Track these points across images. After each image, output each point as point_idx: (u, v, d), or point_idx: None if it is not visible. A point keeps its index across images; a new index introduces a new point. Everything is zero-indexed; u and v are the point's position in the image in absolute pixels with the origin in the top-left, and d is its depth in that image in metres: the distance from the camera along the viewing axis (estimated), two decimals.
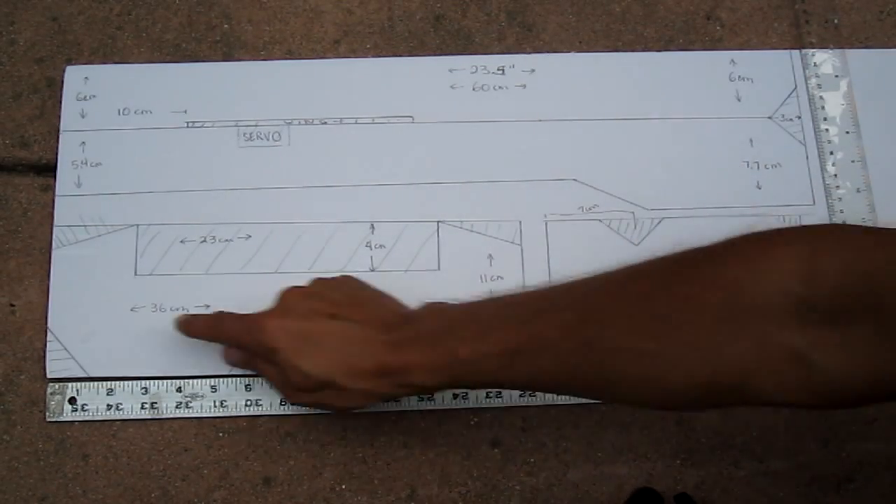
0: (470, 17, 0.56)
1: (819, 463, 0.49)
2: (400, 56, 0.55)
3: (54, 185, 0.51)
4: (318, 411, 0.48)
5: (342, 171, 0.52)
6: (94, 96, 0.53)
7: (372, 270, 0.51)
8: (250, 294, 0.50)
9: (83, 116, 0.53)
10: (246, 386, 0.49)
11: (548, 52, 0.55)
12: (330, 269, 0.51)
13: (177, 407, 0.48)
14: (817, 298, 0.32)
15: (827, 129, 0.54)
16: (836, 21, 0.56)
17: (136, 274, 0.50)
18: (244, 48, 0.54)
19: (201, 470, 0.48)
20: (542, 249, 0.51)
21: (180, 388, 0.49)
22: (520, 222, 0.52)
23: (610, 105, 0.54)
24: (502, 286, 0.51)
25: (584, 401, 0.49)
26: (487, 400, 0.49)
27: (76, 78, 0.53)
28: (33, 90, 0.53)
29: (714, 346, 0.33)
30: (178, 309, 0.50)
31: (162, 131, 0.53)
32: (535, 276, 0.51)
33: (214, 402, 0.49)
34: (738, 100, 0.54)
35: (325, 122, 0.53)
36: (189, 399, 0.49)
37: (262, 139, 0.53)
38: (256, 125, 0.53)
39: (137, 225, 0.51)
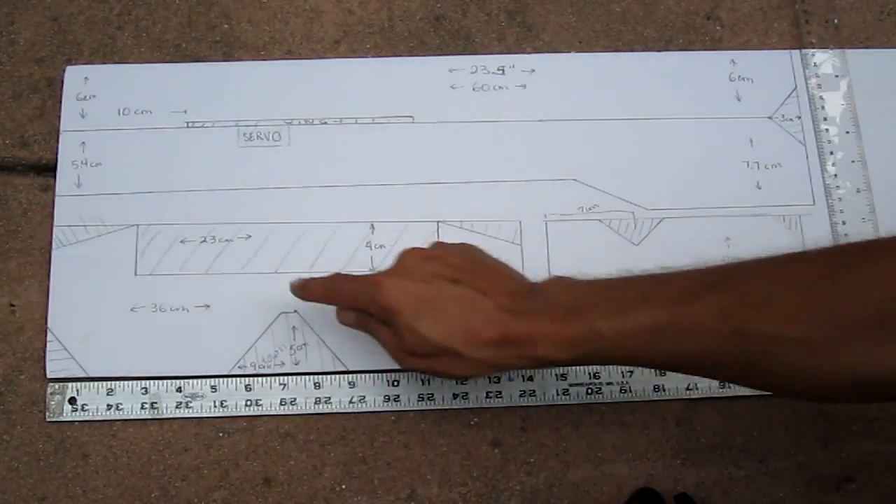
0: (470, 17, 0.56)
1: (819, 463, 0.49)
2: (400, 56, 0.55)
3: (54, 185, 0.52)
4: (320, 411, 0.48)
5: (342, 171, 0.52)
6: (94, 96, 0.53)
7: (372, 270, 0.51)
8: (250, 294, 0.50)
9: (83, 116, 0.53)
10: (246, 386, 0.49)
11: (548, 52, 0.55)
12: (330, 269, 0.50)
13: (177, 407, 0.48)
14: None
15: (827, 129, 0.54)
16: (836, 21, 0.56)
17: (136, 274, 0.50)
18: (244, 48, 0.54)
19: (201, 470, 0.48)
20: (542, 249, 0.51)
21: (180, 388, 0.49)
22: (520, 222, 0.52)
23: (610, 105, 0.54)
24: None
25: (584, 401, 0.49)
26: (487, 400, 0.49)
27: (76, 78, 0.53)
28: (33, 90, 0.53)
29: (875, 341, 0.32)
30: (178, 309, 0.50)
31: (162, 131, 0.53)
32: (536, 275, 0.51)
33: (214, 402, 0.49)
34: (738, 100, 0.54)
35: (325, 122, 0.53)
36: (189, 399, 0.49)
37: (262, 139, 0.53)
38: (256, 125, 0.53)
39: (137, 225, 0.51)
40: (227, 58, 0.54)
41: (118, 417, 0.48)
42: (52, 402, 0.48)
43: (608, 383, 0.50)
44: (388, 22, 0.55)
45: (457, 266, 0.42)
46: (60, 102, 0.53)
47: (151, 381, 0.49)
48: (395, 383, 0.49)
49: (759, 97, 0.54)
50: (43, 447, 0.48)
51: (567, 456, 0.49)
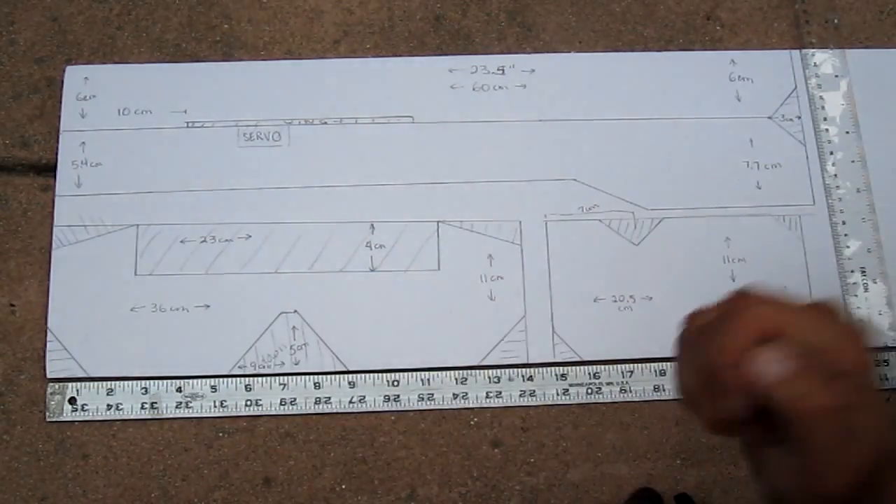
0: (470, 17, 0.56)
1: None
2: (400, 56, 0.55)
3: (54, 185, 0.52)
4: (320, 411, 0.48)
5: (342, 171, 0.52)
6: (94, 96, 0.53)
7: (372, 270, 0.51)
8: (250, 294, 0.50)
9: (83, 116, 0.53)
10: (246, 386, 0.49)
11: (548, 52, 0.55)
12: (330, 268, 0.51)
13: (177, 407, 0.48)
14: None
15: (827, 129, 0.54)
16: (836, 21, 0.56)
17: (136, 274, 0.50)
18: (244, 48, 0.54)
19: (201, 470, 0.48)
20: (542, 249, 0.51)
21: (180, 388, 0.49)
22: (520, 222, 0.52)
23: (610, 105, 0.54)
24: (502, 286, 0.51)
25: (584, 401, 0.49)
26: (487, 400, 0.49)
27: (76, 78, 0.53)
28: (33, 90, 0.53)
29: None
30: (177, 309, 0.50)
31: (162, 131, 0.53)
32: (536, 275, 0.51)
33: (214, 402, 0.49)
34: (738, 100, 0.54)
35: (325, 122, 0.53)
36: (189, 399, 0.49)
37: (262, 139, 0.53)
38: (256, 125, 0.53)
39: (137, 225, 0.51)
40: (227, 58, 0.54)
41: (118, 417, 0.48)
42: (52, 402, 0.48)
43: (608, 383, 0.50)
44: (388, 22, 0.55)
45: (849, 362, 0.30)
46: (60, 102, 0.53)
47: (151, 381, 0.49)
48: (395, 383, 0.49)
49: (759, 97, 0.54)
50: (43, 447, 0.48)
51: (567, 456, 0.49)
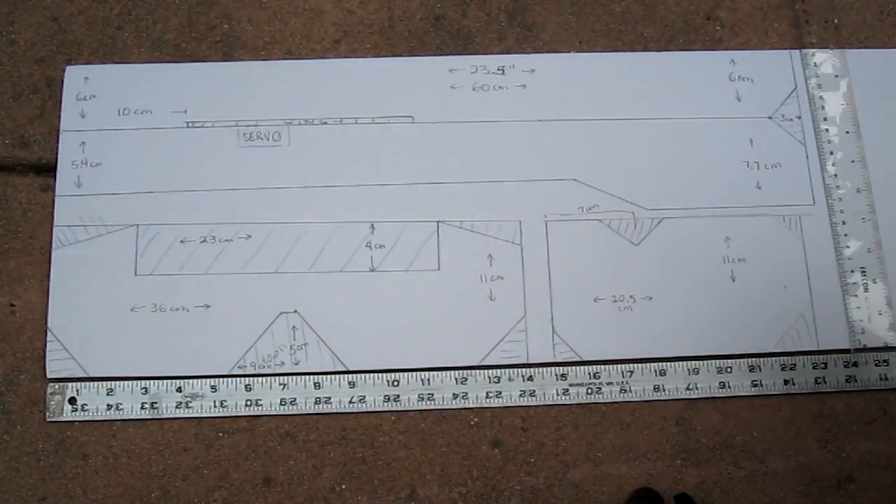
0: (470, 17, 0.56)
1: (819, 463, 0.49)
2: (400, 56, 0.55)
3: (54, 185, 0.52)
4: (320, 411, 0.48)
5: (342, 171, 0.52)
6: (94, 96, 0.53)
7: (372, 270, 0.51)
8: (250, 294, 0.50)
9: (83, 116, 0.53)
10: (246, 386, 0.49)
11: (548, 52, 0.55)
12: (330, 268, 0.51)
13: (177, 407, 0.48)
14: None
15: (827, 129, 0.54)
16: (836, 21, 0.56)
17: (136, 274, 0.50)
18: (244, 48, 0.55)
19: (201, 470, 0.48)
20: (542, 249, 0.51)
21: (180, 388, 0.49)
22: (520, 222, 0.52)
23: (610, 105, 0.54)
24: (502, 286, 0.51)
25: (584, 401, 0.49)
26: (487, 400, 0.49)
27: (76, 78, 0.53)
28: (33, 90, 0.53)
29: None
30: (178, 309, 0.50)
31: (162, 131, 0.53)
32: (536, 275, 0.51)
33: (214, 402, 0.49)
34: (738, 100, 0.54)
35: (325, 122, 0.53)
36: (189, 399, 0.49)
37: (262, 139, 0.53)
38: (256, 125, 0.53)
39: (137, 225, 0.51)
40: (227, 58, 0.54)
41: (118, 417, 0.48)
42: (52, 402, 0.48)
43: (608, 383, 0.50)
44: (388, 22, 0.55)
45: None
46: (60, 102, 0.53)
47: (151, 381, 0.49)
48: (395, 383, 0.49)
49: (759, 97, 0.54)
50: (43, 447, 0.48)
51: (567, 456, 0.49)
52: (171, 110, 0.53)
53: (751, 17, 0.56)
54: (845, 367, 0.50)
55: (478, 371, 0.50)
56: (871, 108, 0.54)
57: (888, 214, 0.52)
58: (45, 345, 0.49)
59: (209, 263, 0.51)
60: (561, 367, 0.50)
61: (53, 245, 0.50)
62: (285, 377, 0.49)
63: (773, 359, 0.50)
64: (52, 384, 0.49)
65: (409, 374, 0.49)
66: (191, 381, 0.49)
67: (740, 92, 0.55)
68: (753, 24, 0.56)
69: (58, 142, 0.52)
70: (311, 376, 0.49)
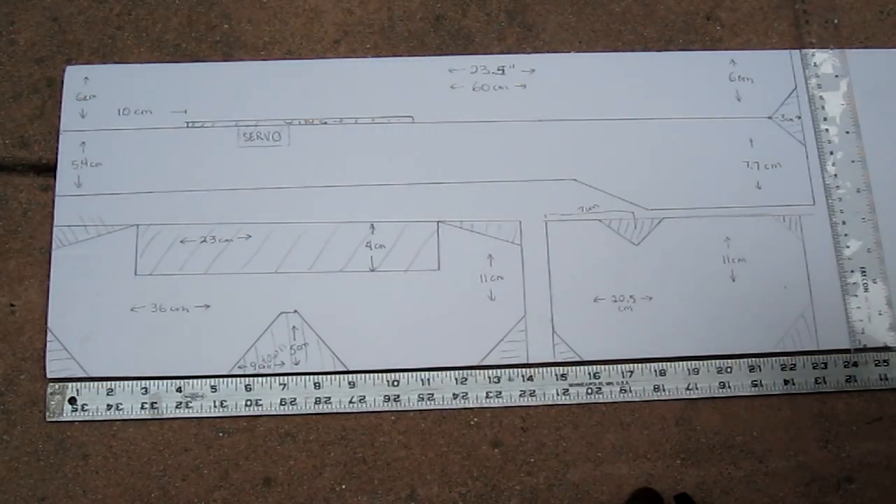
0: (470, 17, 0.56)
1: (819, 463, 0.49)
2: (400, 56, 0.55)
3: (54, 185, 0.52)
4: (320, 411, 0.48)
5: (342, 171, 0.52)
6: (94, 96, 0.53)
7: (372, 270, 0.51)
8: (250, 294, 0.50)
9: (83, 116, 0.53)
10: (246, 386, 0.49)
11: (548, 52, 0.55)
12: (330, 268, 0.51)
13: (177, 407, 0.48)
14: None
15: (827, 129, 0.54)
16: (836, 21, 0.56)
17: (136, 274, 0.50)
18: (244, 48, 0.55)
19: (201, 470, 0.48)
20: (542, 249, 0.51)
21: (180, 388, 0.49)
22: (520, 222, 0.52)
23: (610, 105, 0.54)
24: (502, 286, 0.51)
25: (584, 401, 0.49)
26: (487, 400, 0.49)
27: (76, 78, 0.53)
28: (33, 90, 0.53)
29: None
30: (177, 309, 0.50)
31: (162, 131, 0.53)
32: (536, 276, 0.51)
33: (214, 402, 0.49)
34: (738, 100, 0.54)
35: (325, 122, 0.53)
36: (189, 399, 0.49)
37: (262, 139, 0.53)
38: (256, 125, 0.53)
39: (137, 225, 0.51)
40: (227, 58, 0.54)
41: (118, 417, 0.48)
42: (52, 402, 0.48)
43: (608, 383, 0.50)
44: (388, 22, 0.55)
45: None
46: (60, 102, 0.53)
47: (151, 381, 0.49)
48: (395, 383, 0.49)
49: (759, 97, 0.54)
50: (43, 447, 0.48)
51: (567, 456, 0.49)
52: (171, 110, 0.53)
53: (751, 17, 0.56)
54: (845, 367, 0.50)
55: (478, 371, 0.50)
56: (871, 108, 0.54)
57: (888, 214, 0.52)
58: (45, 345, 0.49)
59: (209, 263, 0.51)
60: (561, 367, 0.50)
61: (53, 245, 0.50)
62: (285, 377, 0.49)
63: (773, 359, 0.50)
64: (52, 384, 0.49)
65: (409, 374, 0.49)
66: (191, 381, 0.49)
67: (740, 92, 0.55)
68: (753, 24, 0.56)
69: (58, 142, 0.52)
70: (311, 376, 0.49)
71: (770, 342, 0.50)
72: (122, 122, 0.53)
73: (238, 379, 0.49)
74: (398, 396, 0.49)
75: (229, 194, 0.52)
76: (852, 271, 0.51)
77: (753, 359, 0.50)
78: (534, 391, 0.49)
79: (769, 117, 0.54)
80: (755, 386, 0.50)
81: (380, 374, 0.49)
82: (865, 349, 0.50)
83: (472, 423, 0.49)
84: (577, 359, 0.50)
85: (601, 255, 0.51)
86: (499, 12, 0.56)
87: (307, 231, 0.51)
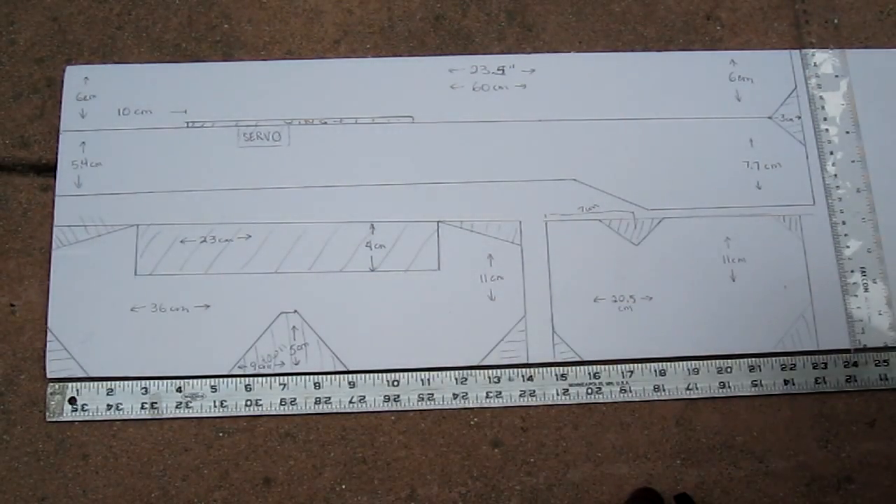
0: (470, 17, 0.56)
1: (819, 463, 0.49)
2: (400, 56, 0.55)
3: (54, 185, 0.52)
4: (320, 411, 0.48)
5: (342, 171, 0.52)
6: (94, 96, 0.53)
7: (372, 270, 0.51)
8: (250, 294, 0.50)
9: (83, 116, 0.53)
10: (246, 386, 0.49)
11: (548, 52, 0.55)
12: (330, 268, 0.51)
13: (177, 407, 0.48)
14: None
15: (827, 129, 0.54)
16: (836, 21, 0.56)
17: (136, 274, 0.50)
18: (244, 48, 0.55)
19: (201, 470, 0.48)
20: (542, 249, 0.51)
21: (180, 388, 0.49)
22: (520, 222, 0.52)
23: (610, 105, 0.54)
24: (502, 286, 0.51)
25: (584, 401, 0.49)
26: (487, 400, 0.49)
27: (76, 78, 0.53)
28: (33, 90, 0.53)
29: None
30: (177, 309, 0.50)
31: (162, 131, 0.53)
32: (536, 276, 0.51)
33: (214, 402, 0.49)
34: (738, 100, 0.54)
35: (325, 122, 0.53)
36: (189, 399, 0.49)
37: (262, 139, 0.53)
38: (256, 125, 0.53)
39: (137, 225, 0.51)
40: (227, 58, 0.54)
41: (118, 417, 0.48)
42: (52, 402, 0.48)
43: (608, 383, 0.50)
44: (388, 22, 0.55)
45: None
46: (60, 102, 0.53)
47: (151, 381, 0.49)
48: (395, 383, 0.49)
49: (759, 97, 0.54)
50: (43, 447, 0.48)
51: (567, 456, 0.49)
52: (171, 110, 0.53)
53: (751, 17, 0.56)
54: (845, 367, 0.50)
55: (478, 371, 0.50)
56: (871, 108, 0.54)
57: (888, 214, 0.52)
58: (45, 345, 0.49)
59: (209, 263, 0.51)
60: (561, 367, 0.50)
61: (53, 245, 0.50)
62: (285, 377, 0.49)
63: (773, 359, 0.50)
64: (52, 384, 0.49)
65: (409, 374, 0.49)
66: (191, 381, 0.49)
67: (740, 92, 0.55)
68: (753, 24, 0.56)
69: (58, 142, 0.52)
70: (311, 376, 0.49)
71: (770, 342, 0.50)
72: (122, 122, 0.53)
73: (238, 379, 0.49)
74: (398, 396, 0.49)
75: (229, 194, 0.52)
76: (852, 271, 0.51)
77: (753, 359, 0.50)
78: (534, 391, 0.49)
79: (769, 117, 0.54)
80: (755, 386, 0.50)
81: (380, 374, 0.49)
82: (865, 349, 0.50)
83: (472, 423, 0.49)
84: (577, 359, 0.50)
85: (601, 255, 0.51)
86: (499, 12, 0.56)
87: (307, 231, 0.51)
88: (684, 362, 0.50)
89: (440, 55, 0.55)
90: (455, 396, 0.49)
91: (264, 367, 0.49)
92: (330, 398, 0.49)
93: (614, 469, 0.49)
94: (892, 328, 0.51)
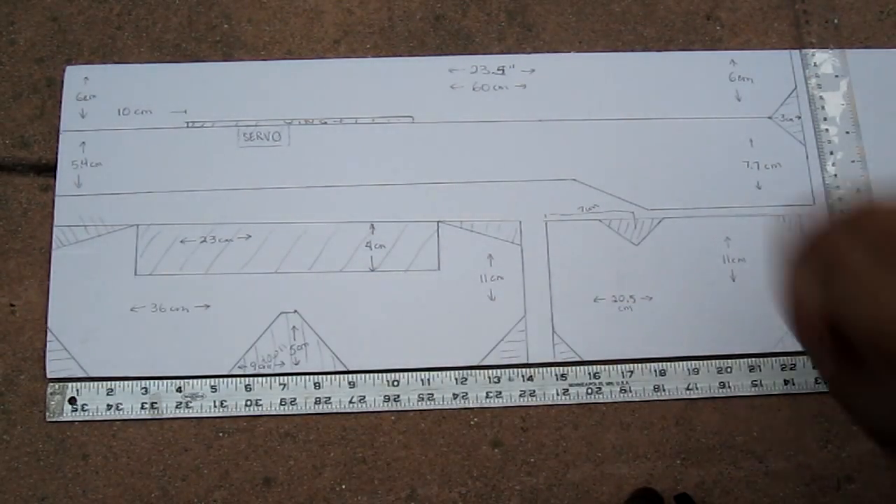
0: (470, 17, 0.56)
1: (819, 463, 0.49)
2: (400, 56, 0.55)
3: (54, 185, 0.52)
4: (320, 411, 0.48)
5: (342, 171, 0.52)
6: (94, 96, 0.53)
7: (372, 270, 0.51)
8: (250, 294, 0.50)
9: (83, 116, 0.53)
10: (246, 386, 0.49)
11: (548, 52, 0.55)
12: (330, 268, 0.51)
13: (177, 407, 0.48)
14: None
15: (827, 129, 0.54)
16: (836, 21, 0.56)
17: (136, 274, 0.50)
18: (244, 48, 0.55)
19: (201, 470, 0.48)
20: (542, 249, 0.51)
21: (180, 388, 0.49)
22: (520, 222, 0.52)
23: (610, 105, 0.54)
24: (502, 286, 0.51)
25: (584, 401, 0.49)
26: (487, 400, 0.49)
27: (76, 78, 0.53)
28: (33, 90, 0.53)
29: None
30: (177, 309, 0.50)
31: (162, 131, 0.53)
32: (536, 276, 0.51)
33: (214, 402, 0.49)
34: (738, 100, 0.54)
35: (325, 122, 0.53)
36: (189, 399, 0.49)
37: (262, 139, 0.53)
38: (256, 125, 0.53)
39: (137, 225, 0.51)
40: (227, 58, 0.54)
41: (118, 417, 0.48)
42: (52, 402, 0.48)
43: (608, 383, 0.50)
44: (388, 22, 0.55)
45: None
46: (60, 102, 0.53)
47: (151, 381, 0.49)
48: (395, 383, 0.49)
49: (759, 97, 0.54)
50: (43, 447, 0.48)
51: (567, 456, 0.49)
52: (171, 110, 0.53)
53: (751, 17, 0.56)
54: None
55: (478, 371, 0.50)
56: (871, 108, 0.54)
57: None
58: (45, 345, 0.49)
59: (209, 263, 0.51)
60: (561, 367, 0.50)
61: (53, 245, 0.50)
62: (285, 377, 0.49)
63: (773, 359, 0.50)
64: (52, 384, 0.49)
65: (409, 374, 0.49)
66: (191, 381, 0.49)
67: (740, 92, 0.55)
68: (753, 24, 0.56)
69: (58, 142, 0.52)
70: (311, 376, 0.49)
71: (770, 342, 0.50)
72: (122, 122, 0.53)
73: (238, 379, 0.49)
74: (398, 396, 0.49)
75: (229, 194, 0.52)
76: None
77: (753, 359, 0.50)
78: (534, 391, 0.49)
79: (769, 117, 0.54)
80: (755, 386, 0.50)
81: (380, 374, 0.49)
82: None
83: (472, 423, 0.49)
84: (577, 359, 0.50)
85: (601, 255, 0.51)
86: (499, 12, 0.56)
87: (307, 231, 0.51)
88: (684, 362, 0.50)
89: (440, 55, 0.55)
90: (455, 396, 0.49)
91: (264, 367, 0.49)
92: (330, 398, 0.49)
93: (614, 469, 0.49)
94: None
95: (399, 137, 0.53)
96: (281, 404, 0.49)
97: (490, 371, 0.50)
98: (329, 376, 0.49)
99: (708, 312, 0.51)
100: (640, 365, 0.50)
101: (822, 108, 0.54)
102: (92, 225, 0.51)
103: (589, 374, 0.50)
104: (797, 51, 0.56)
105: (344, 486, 0.48)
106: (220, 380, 0.49)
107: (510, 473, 0.49)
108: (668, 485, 0.49)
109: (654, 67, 0.55)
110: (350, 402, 0.49)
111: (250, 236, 0.51)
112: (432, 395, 0.49)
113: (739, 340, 0.50)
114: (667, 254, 0.52)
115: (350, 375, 0.49)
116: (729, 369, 0.50)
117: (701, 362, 0.50)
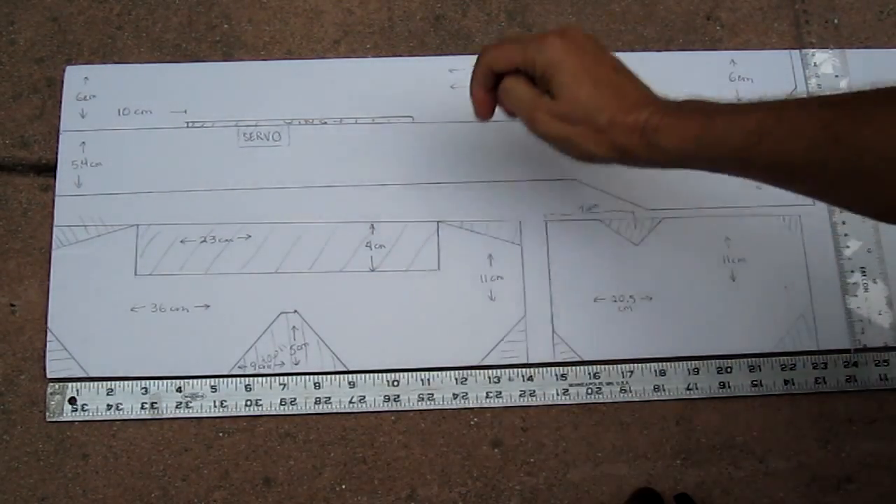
0: (470, 17, 0.56)
1: (819, 463, 0.49)
2: (400, 56, 0.55)
3: (54, 185, 0.52)
4: (320, 411, 0.48)
5: (342, 171, 0.52)
6: (94, 96, 0.53)
7: (372, 270, 0.51)
8: (250, 294, 0.50)
9: (83, 116, 0.53)
10: (246, 386, 0.49)
11: None
12: (330, 268, 0.51)
13: (177, 407, 0.48)
14: None
15: None
16: (836, 21, 0.56)
17: (136, 274, 0.50)
18: (244, 48, 0.55)
19: (201, 470, 0.48)
20: (542, 249, 0.51)
21: (180, 388, 0.49)
22: (520, 222, 0.52)
23: None
24: (502, 286, 0.51)
25: (584, 401, 0.49)
26: (487, 400, 0.49)
27: (76, 78, 0.53)
28: (33, 90, 0.53)
29: None
30: (177, 309, 0.50)
31: (162, 131, 0.53)
32: (536, 275, 0.51)
33: (214, 402, 0.49)
34: (738, 100, 0.54)
35: (325, 122, 0.53)
36: (189, 399, 0.49)
37: (262, 139, 0.53)
38: (256, 125, 0.53)
39: (137, 225, 0.51)
40: (227, 58, 0.54)
41: (118, 417, 0.48)
42: (52, 402, 0.48)
43: (608, 383, 0.50)
44: (388, 22, 0.55)
45: (614, 58, 0.42)
46: (60, 102, 0.53)
47: (151, 381, 0.49)
48: (395, 383, 0.49)
49: (759, 97, 0.54)
50: (43, 447, 0.48)
51: (567, 456, 0.49)
52: (171, 110, 0.53)
53: (751, 17, 0.56)
54: (845, 367, 0.50)
55: (478, 371, 0.50)
56: None
57: None
58: (45, 345, 0.49)
59: (209, 263, 0.51)
60: (561, 367, 0.50)
61: (53, 245, 0.50)
62: (285, 377, 0.49)
63: (773, 359, 0.50)
64: (52, 384, 0.49)
65: (409, 374, 0.49)
66: (191, 381, 0.49)
67: (740, 92, 0.55)
68: (753, 24, 0.56)
69: (58, 142, 0.52)
70: (311, 376, 0.49)
71: (770, 342, 0.50)
72: (122, 122, 0.53)
73: (238, 379, 0.49)
74: (398, 396, 0.49)
75: (229, 194, 0.52)
76: (852, 271, 0.51)
77: (753, 359, 0.50)
78: (534, 391, 0.49)
79: None
80: (755, 386, 0.50)
81: (380, 374, 0.49)
82: (865, 349, 0.50)
83: (472, 423, 0.49)
84: (577, 359, 0.50)
85: (601, 255, 0.51)
86: (499, 12, 0.56)
87: (307, 231, 0.51)
88: (684, 362, 0.50)
89: (440, 55, 0.55)
90: (455, 396, 0.49)
91: (264, 367, 0.49)
92: (330, 398, 0.49)
93: (614, 469, 0.49)
94: (892, 328, 0.51)
95: (399, 137, 0.53)
96: (281, 404, 0.49)
97: (490, 371, 0.50)
98: (329, 376, 0.49)
99: (708, 312, 0.51)
100: (640, 365, 0.50)
101: None
102: (92, 225, 0.51)
103: (589, 374, 0.50)
104: (797, 51, 0.55)
105: (344, 486, 0.48)
106: (220, 380, 0.49)
107: (510, 473, 0.49)
108: (668, 485, 0.49)
109: (654, 67, 0.54)
110: (350, 402, 0.49)
111: (250, 236, 0.51)
112: (432, 395, 0.49)
113: (739, 340, 0.50)
114: (667, 254, 0.52)
115: (350, 375, 0.49)
116: (729, 369, 0.50)
117: (701, 362, 0.50)
